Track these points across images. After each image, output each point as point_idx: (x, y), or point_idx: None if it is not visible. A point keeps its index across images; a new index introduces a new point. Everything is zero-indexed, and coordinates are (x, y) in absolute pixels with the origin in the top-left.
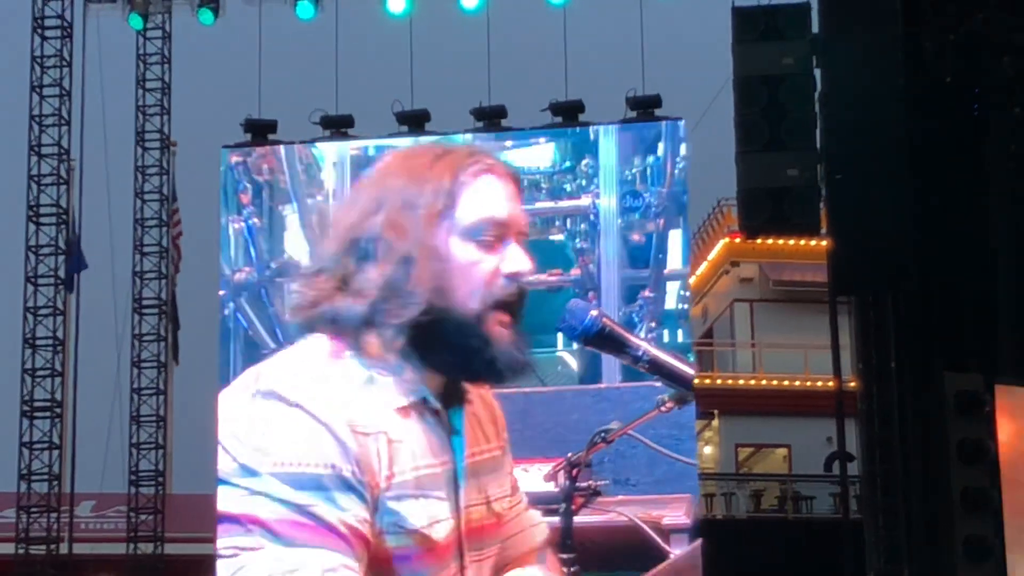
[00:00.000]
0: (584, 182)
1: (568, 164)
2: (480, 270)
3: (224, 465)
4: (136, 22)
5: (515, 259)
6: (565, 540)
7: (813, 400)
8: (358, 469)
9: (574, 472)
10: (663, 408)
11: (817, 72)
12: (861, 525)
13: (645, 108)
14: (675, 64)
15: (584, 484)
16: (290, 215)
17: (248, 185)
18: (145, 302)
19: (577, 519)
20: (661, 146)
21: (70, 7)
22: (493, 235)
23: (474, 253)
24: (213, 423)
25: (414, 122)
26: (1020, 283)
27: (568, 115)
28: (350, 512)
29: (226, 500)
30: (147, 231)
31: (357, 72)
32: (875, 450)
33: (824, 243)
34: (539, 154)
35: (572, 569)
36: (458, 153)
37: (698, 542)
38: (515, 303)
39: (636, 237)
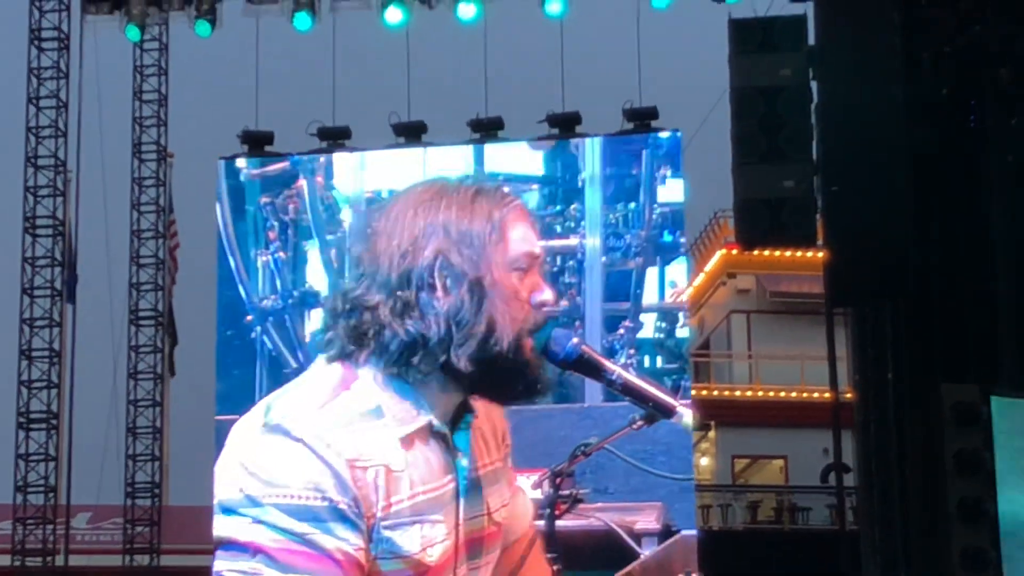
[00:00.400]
0: (572, 224)
1: (558, 208)
2: (519, 299)
3: (231, 494)
4: (133, 34)
5: (545, 291)
6: (549, 542)
7: (810, 411)
8: (354, 503)
9: (558, 481)
10: (634, 426)
11: (814, 83)
12: (858, 536)
13: (642, 120)
14: (672, 76)
15: (566, 492)
16: (311, 250)
17: (275, 223)
18: (142, 314)
19: (559, 524)
20: (641, 193)
21: (67, 19)
22: (527, 266)
23: (515, 284)
24: (210, 435)
25: (411, 133)
26: (1018, 294)
27: (565, 127)
28: (346, 541)
29: (231, 527)
30: (144, 243)
31: (354, 83)
32: (871, 461)
33: (821, 254)
34: (530, 198)
35: (555, 568)
36: (492, 191)
37: (664, 545)
38: (539, 330)
39: (617, 274)
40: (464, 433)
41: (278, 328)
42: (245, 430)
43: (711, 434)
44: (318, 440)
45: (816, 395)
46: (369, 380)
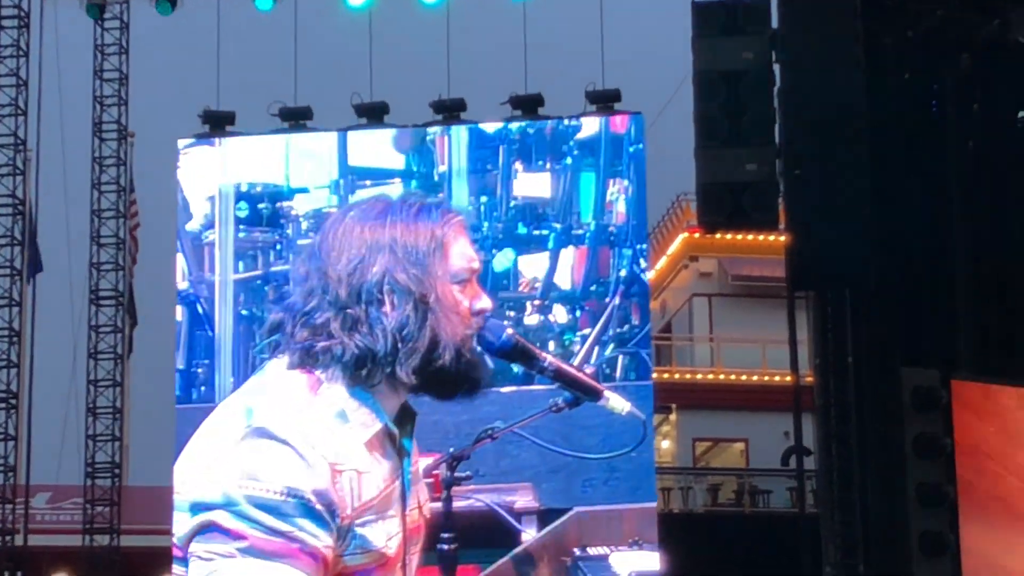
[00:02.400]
0: None
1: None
2: (462, 309)
3: (211, 493)
4: (93, 12)
5: (483, 299)
6: (446, 523)
7: (771, 395)
8: (332, 503)
9: (455, 465)
10: (554, 409)
11: (776, 67)
12: (817, 519)
13: (604, 102)
14: (636, 58)
15: (461, 475)
16: None
17: None
18: (102, 293)
19: (438, 505)
20: (498, 188)
21: None
22: (467, 278)
23: (458, 295)
24: (171, 416)
25: (373, 114)
26: (977, 279)
27: (528, 109)
28: (319, 538)
29: (213, 517)
30: (104, 222)
31: (316, 64)
32: (832, 445)
33: (783, 238)
34: (392, 192)
35: (452, 547)
36: (433, 208)
37: (559, 521)
38: (477, 333)
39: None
40: (409, 435)
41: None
42: (226, 432)
43: (672, 417)
44: (304, 443)
45: (777, 378)
46: (331, 386)
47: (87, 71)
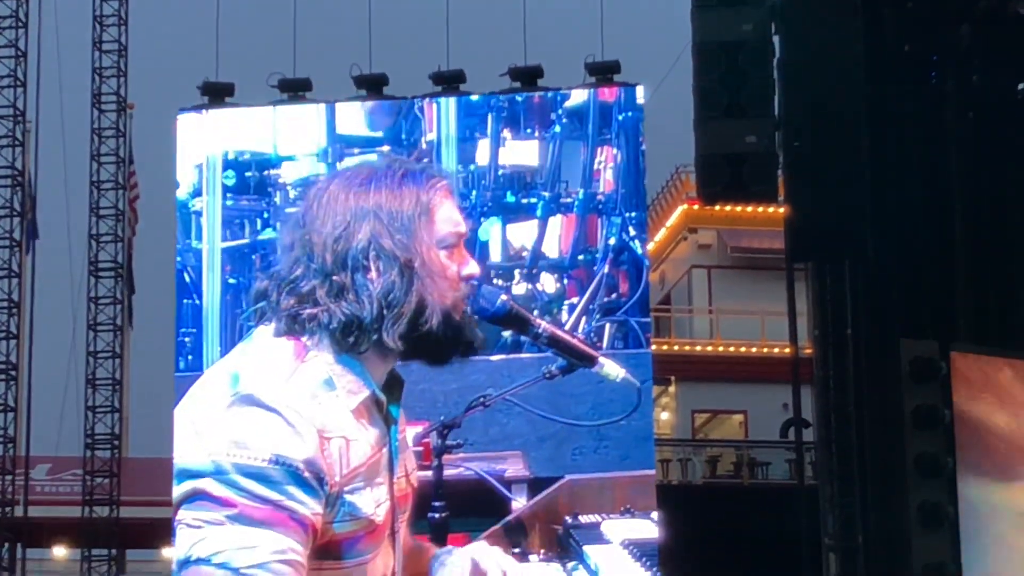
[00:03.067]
0: None
1: None
2: (450, 274)
3: (200, 461)
4: None
5: (471, 264)
6: (437, 491)
7: (769, 366)
8: (320, 471)
9: (444, 432)
10: (547, 376)
11: (776, 39)
12: (816, 491)
13: (604, 74)
14: (636, 29)
15: (452, 443)
16: None
17: None
18: (101, 265)
19: (428, 474)
20: (488, 155)
21: None
22: (454, 243)
23: (445, 260)
24: (170, 387)
25: (372, 86)
26: (976, 250)
27: (527, 80)
28: (307, 506)
29: (201, 484)
30: (103, 194)
31: (315, 35)
32: (830, 416)
33: (782, 210)
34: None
35: (443, 515)
36: (418, 173)
37: (551, 489)
38: (468, 299)
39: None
40: (396, 402)
41: None
42: (213, 398)
43: (671, 389)
44: (291, 411)
45: (776, 350)
46: (318, 353)
47: (86, 42)
